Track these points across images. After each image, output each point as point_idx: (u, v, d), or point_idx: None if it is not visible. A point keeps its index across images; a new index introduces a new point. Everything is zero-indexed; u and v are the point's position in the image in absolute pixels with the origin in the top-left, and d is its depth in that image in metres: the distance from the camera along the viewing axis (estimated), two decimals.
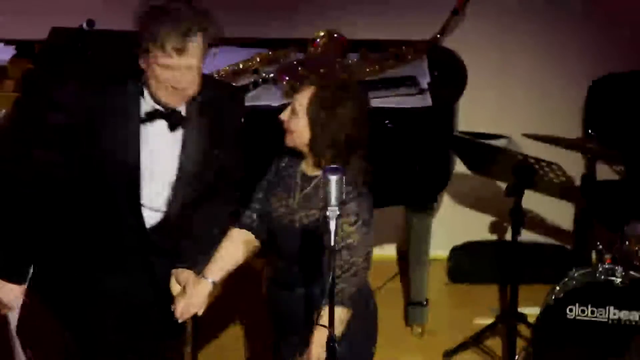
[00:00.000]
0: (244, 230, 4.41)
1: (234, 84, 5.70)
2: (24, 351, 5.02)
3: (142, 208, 4.40)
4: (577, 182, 6.17)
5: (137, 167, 4.30)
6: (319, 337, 4.09)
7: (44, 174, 4.35)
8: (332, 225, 3.76)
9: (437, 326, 6.29)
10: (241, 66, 5.93)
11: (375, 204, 4.74)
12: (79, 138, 4.29)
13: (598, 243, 5.75)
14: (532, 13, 6.52)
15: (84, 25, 5.88)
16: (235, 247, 4.47)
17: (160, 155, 4.34)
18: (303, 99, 4.16)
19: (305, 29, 6.23)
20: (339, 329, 4.14)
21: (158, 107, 4.22)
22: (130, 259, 4.48)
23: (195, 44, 4.14)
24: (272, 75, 5.84)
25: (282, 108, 4.64)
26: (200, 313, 4.38)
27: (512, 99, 6.60)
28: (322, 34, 6.11)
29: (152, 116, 4.28)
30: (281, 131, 4.53)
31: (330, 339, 4.03)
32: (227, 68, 5.93)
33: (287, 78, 5.79)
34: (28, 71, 5.92)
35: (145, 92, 4.27)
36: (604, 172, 6.34)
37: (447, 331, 6.22)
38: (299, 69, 5.90)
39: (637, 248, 5.63)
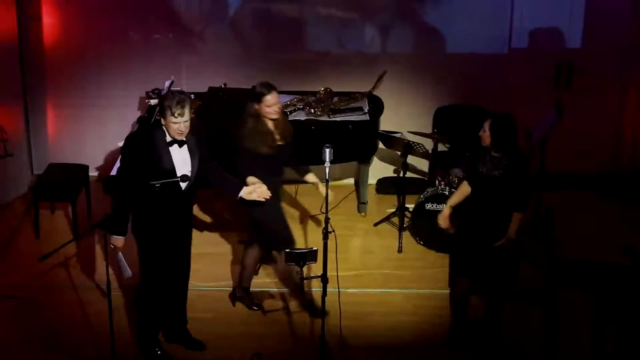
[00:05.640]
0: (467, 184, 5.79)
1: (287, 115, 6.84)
2: (122, 268, 5.62)
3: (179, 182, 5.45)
4: (430, 151, 7.51)
5: (173, 165, 5.36)
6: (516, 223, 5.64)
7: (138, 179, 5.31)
8: (327, 170, 5.31)
9: (370, 212, 7.81)
10: (288, 102, 7.49)
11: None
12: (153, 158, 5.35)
13: (438, 177, 7.28)
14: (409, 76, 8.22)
15: (222, 85, 7.63)
16: (466, 189, 5.84)
17: (183, 157, 5.43)
18: (486, 125, 5.58)
19: (314, 85, 7.79)
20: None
21: (172, 139, 5.39)
22: (176, 203, 5.50)
23: (182, 111, 5.26)
24: (301, 106, 7.50)
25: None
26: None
27: (403, 116, 8.12)
28: (322, 88, 7.68)
29: (171, 143, 5.40)
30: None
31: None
32: (281, 103, 6.37)
33: (307, 107, 7.46)
34: (199, 106, 7.39)
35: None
36: (441, 147, 7.78)
37: (375, 214, 7.77)
38: (313, 103, 7.49)
39: (455, 179, 7.03)
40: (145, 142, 5.41)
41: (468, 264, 5.89)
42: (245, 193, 5.60)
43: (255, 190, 5.64)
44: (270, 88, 5.93)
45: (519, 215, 5.67)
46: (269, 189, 5.75)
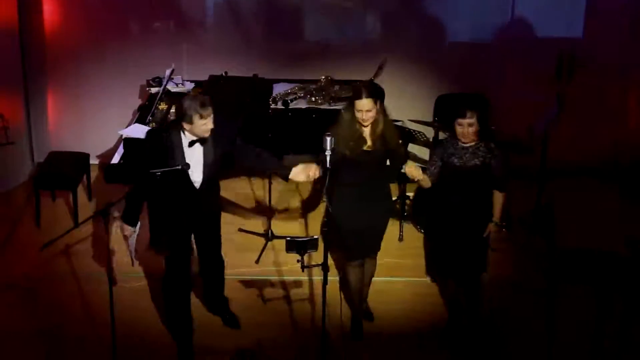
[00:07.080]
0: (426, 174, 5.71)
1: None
2: (135, 252, 5.80)
3: (193, 180, 5.53)
4: (431, 140, 7.47)
5: (186, 164, 5.40)
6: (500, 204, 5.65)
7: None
8: (328, 160, 5.18)
9: None
10: (289, 91, 7.45)
11: None
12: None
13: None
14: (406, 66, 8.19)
15: (223, 73, 7.58)
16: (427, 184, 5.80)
17: (196, 159, 5.48)
18: (472, 120, 5.49)
19: (315, 74, 7.70)
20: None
21: (194, 138, 5.46)
22: (189, 200, 5.59)
23: (209, 111, 5.36)
24: (301, 94, 7.41)
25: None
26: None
27: (404, 104, 7.89)
28: (323, 76, 7.60)
29: (191, 143, 5.47)
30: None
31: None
32: (282, 92, 7.42)
33: (308, 95, 7.39)
34: (199, 94, 6.87)
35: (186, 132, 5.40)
36: (442, 135, 7.32)
37: None
38: (314, 92, 7.38)
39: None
40: (163, 141, 5.45)
41: (450, 266, 5.83)
42: (293, 174, 5.56)
43: (304, 170, 5.56)
44: (362, 93, 5.53)
45: (501, 195, 5.60)
46: (343, 192, 5.60)
